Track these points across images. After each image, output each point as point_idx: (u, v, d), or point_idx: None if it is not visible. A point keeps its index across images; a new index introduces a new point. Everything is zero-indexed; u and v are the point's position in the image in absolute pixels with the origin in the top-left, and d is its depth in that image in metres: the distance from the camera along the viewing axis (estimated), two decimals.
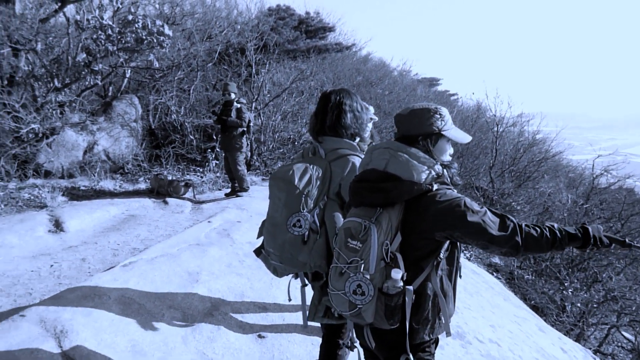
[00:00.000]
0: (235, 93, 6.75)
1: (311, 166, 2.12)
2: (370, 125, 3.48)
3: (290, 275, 2.36)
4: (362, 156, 2.24)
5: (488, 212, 1.63)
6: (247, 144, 6.90)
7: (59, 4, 7.85)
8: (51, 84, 7.52)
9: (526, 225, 1.62)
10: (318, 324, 2.74)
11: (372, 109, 3.48)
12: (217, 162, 8.88)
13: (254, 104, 9.75)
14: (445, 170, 1.73)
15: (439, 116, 1.76)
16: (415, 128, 1.76)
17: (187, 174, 8.38)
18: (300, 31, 16.43)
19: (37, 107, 7.32)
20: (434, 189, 1.65)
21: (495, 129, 12.78)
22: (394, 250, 1.61)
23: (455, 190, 1.72)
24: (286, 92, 10.79)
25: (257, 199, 6.76)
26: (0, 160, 6.72)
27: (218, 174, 8.52)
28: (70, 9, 8.34)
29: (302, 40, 16.03)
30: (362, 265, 1.58)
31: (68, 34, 7.74)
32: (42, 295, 3.73)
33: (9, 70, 7.40)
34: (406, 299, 1.62)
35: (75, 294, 3.32)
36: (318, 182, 2.09)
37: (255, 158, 9.33)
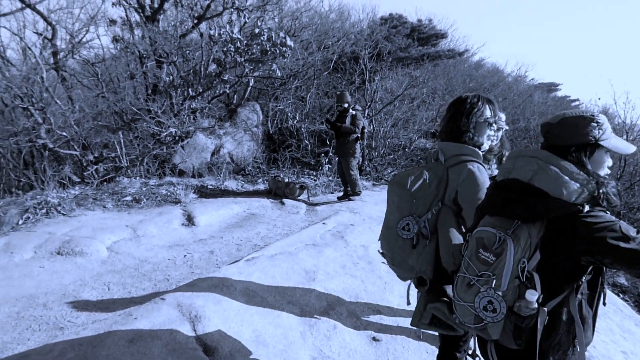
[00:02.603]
0: (348, 102, 6.88)
1: (426, 171, 2.09)
2: (500, 133, 3.29)
3: (410, 280, 2.33)
4: (482, 163, 2.13)
5: None
6: (360, 150, 6.98)
7: (195, 21, 8.72)
8: (187, 93, 8.37)
9: None
10: (435, 333, 2.66)
11: (503, 117, 3.30)
12: (330, 166, 9.10)
13: (366, 111, 9.84)
14: (601, 189, 1.51)
15: (595, 124, 1.57)
16: (568, 138, 1.58)
17: (302, 177, 8.71)
18: (412, 39, 16.26)
19: (175, 113, 8.19)
20: (585, 210, 1.47)
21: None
22: (531, 270, 1.48)
23: (609, 213, 1.51)
24: (398, 99, 10.74)
25: (369, 203, 6.79)
26: (145, 160, 7.64)
27: (331, 178, 8.74)
28: (202, 25, 9.23)
29: (414, 48, 15.85)
30: (494, 281, 1.48)
31: (201, 47, 8.55)
32: (177, 282, 4.13)
33: (153, 80, 8.40)
34: (539, 320, 1.48)
35: (206, 283, 3.63)
36: (432, 187, 2.05)
37: (366, 163, 9.40)
